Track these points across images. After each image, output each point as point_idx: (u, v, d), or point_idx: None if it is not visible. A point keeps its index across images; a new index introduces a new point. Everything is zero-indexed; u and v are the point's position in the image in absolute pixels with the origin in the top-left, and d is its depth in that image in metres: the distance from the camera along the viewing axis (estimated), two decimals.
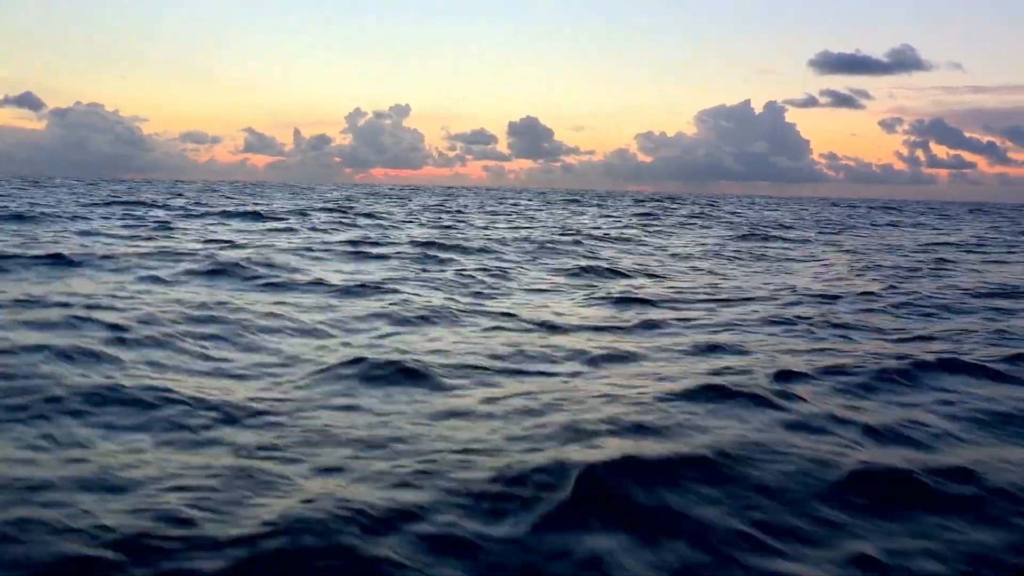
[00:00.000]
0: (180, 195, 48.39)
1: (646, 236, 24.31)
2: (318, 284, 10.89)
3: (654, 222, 33.47)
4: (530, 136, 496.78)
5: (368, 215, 30.78)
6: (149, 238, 17.39)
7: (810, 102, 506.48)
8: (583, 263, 15.07)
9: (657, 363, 6.79)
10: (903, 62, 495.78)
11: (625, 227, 28.65)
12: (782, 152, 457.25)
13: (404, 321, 8.43)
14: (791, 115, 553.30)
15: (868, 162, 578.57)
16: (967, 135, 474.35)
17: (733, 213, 46.57)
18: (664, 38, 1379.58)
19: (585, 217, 36.75)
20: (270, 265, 12.56)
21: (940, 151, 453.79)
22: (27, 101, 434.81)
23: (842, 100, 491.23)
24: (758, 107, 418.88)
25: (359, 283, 11.10)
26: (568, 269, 14.18)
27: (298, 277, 11.56)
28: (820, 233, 28.92)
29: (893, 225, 37.75)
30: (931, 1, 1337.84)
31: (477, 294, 10.92)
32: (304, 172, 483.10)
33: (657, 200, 76.42)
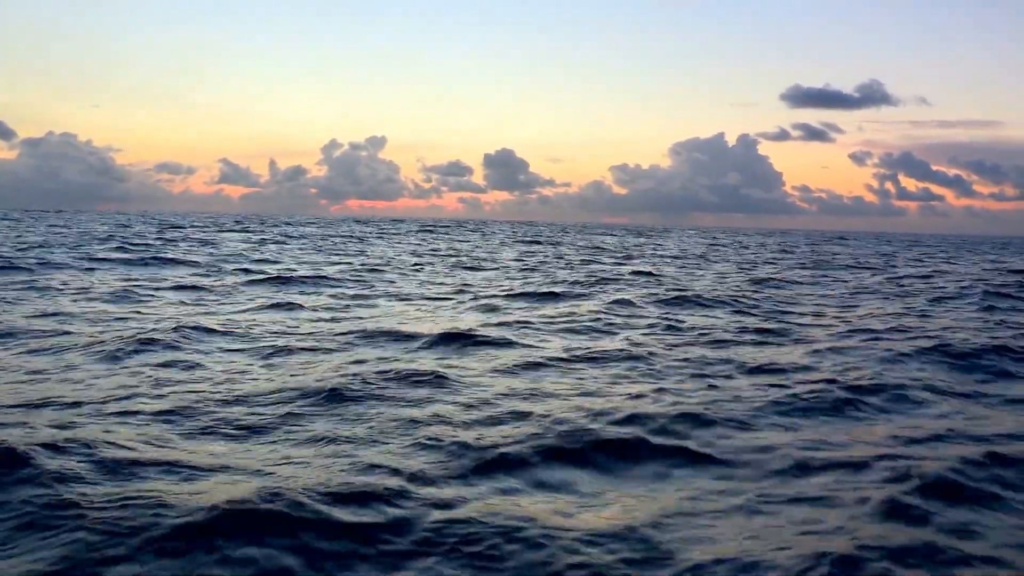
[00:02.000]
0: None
1: None
2: None
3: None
4: (506, 168, 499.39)
5: None
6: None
7: (782, 135, 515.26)
8: None
9: None
10: (871, 96, 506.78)
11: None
12: (755, 184, 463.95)
13: None
14: (764, 148, 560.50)
15: (840, 194, 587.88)
16: (935, 168, 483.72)
17: None
18: (638, 71, 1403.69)
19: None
20: None
21: (909, 184, 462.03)
22: None
23: (813, 133, 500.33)
24: (731, 139, 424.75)
25: None
26: None
27: None
28: None
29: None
30: (897, 37, 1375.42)
31: None
32: (279, 203, 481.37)
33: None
